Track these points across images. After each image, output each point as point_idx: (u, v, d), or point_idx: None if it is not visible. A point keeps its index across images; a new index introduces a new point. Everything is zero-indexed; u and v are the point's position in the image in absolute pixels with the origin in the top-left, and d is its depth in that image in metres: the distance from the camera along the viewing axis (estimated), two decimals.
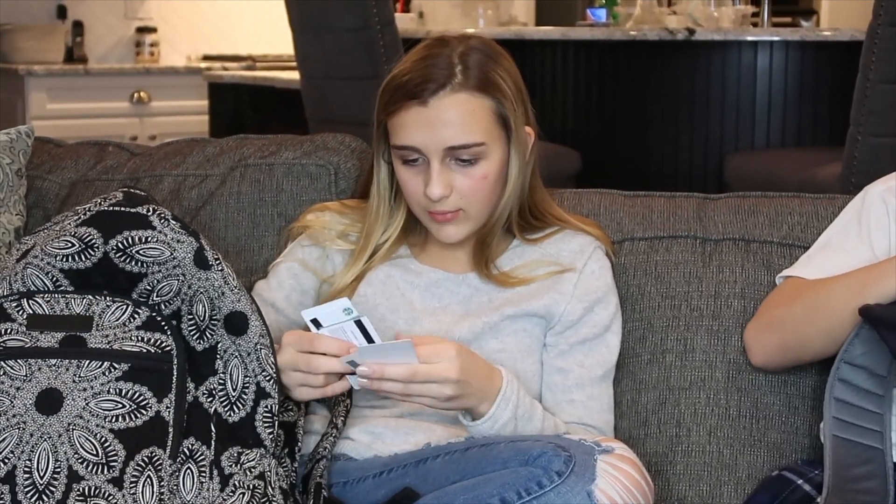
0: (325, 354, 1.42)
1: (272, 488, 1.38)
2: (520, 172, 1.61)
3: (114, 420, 1.33)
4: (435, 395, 1.41)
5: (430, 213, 1.59)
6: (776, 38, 3.58)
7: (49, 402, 1.33)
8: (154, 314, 1.40)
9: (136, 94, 5.25)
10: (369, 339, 1.42)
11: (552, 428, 1.53)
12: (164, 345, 1.38)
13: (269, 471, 1.39)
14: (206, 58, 5.62)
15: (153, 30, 5.58)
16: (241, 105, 4.45)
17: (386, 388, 1.41)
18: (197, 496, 1.34)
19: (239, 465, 1.37)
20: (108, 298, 1.41)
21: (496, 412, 1.46)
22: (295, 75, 3.91)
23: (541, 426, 1.51)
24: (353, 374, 1.42)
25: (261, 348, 1.40)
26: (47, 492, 1.29)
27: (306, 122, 3.75)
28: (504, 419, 1.47)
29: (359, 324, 1.41)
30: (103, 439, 1.32)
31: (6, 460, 1.31)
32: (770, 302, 1.64)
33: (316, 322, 1.42)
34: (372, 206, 1.66)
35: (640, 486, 1.35)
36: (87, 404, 1.34)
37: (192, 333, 1.41)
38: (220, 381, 1.40)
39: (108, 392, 1.35)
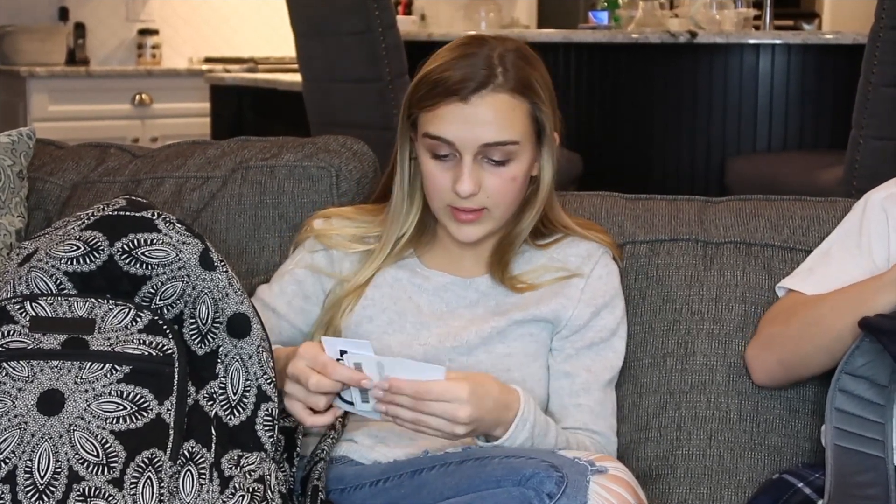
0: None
1: (272, 492, 1.38)
2: (553, 177, 1.62)
3: (115, 421, 1.34)
4: (448, 416, 1.37)
5: (453, 211, 1.58)
6: (778, 42, 3.58)
7: (50, 403, 1.34)
8: (156, 318, 1.40)
9: (137, 97, 5.25)
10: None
11: (564, 442, 1.52)
12: (165, 348, 1.39)
13: (269, 474, 1.39)
14: (208, 60, 5.62)
15: (155, 32, 5.58)
16: (242, 107, 4.45)
17: (398, 400, 1.37)
18: (196, 498, 1.34)
19: (239, 468, 1.37)
20: (110, 302, 1.41)
21: (514, 433, 1.44)
22: (297, 78, 3.91)
23: (554, 442, 1.50)
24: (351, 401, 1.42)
25: (262, 351, 1.41)
26: (47, 492, 1.29)
27: (308, 124, 3.75)
28: (521, 440, 1.45)
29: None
30: (104, 440, 1.32)
31: (7, 460, 1.31)
32: (768, 320, 1.64)
33: (342, 352, 1.40)
34: (394, 201, 1.63)
35: None
36: (88, 406, 1.34)
37: (193, 338, 1.41)
38: (221, 385, 1.40)
39: (110, 394, 1.35)
